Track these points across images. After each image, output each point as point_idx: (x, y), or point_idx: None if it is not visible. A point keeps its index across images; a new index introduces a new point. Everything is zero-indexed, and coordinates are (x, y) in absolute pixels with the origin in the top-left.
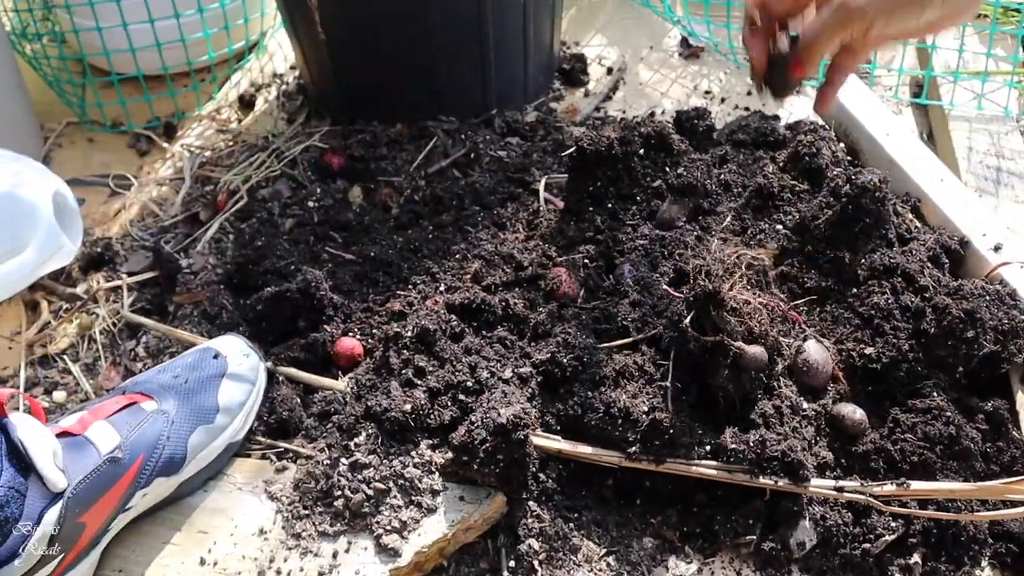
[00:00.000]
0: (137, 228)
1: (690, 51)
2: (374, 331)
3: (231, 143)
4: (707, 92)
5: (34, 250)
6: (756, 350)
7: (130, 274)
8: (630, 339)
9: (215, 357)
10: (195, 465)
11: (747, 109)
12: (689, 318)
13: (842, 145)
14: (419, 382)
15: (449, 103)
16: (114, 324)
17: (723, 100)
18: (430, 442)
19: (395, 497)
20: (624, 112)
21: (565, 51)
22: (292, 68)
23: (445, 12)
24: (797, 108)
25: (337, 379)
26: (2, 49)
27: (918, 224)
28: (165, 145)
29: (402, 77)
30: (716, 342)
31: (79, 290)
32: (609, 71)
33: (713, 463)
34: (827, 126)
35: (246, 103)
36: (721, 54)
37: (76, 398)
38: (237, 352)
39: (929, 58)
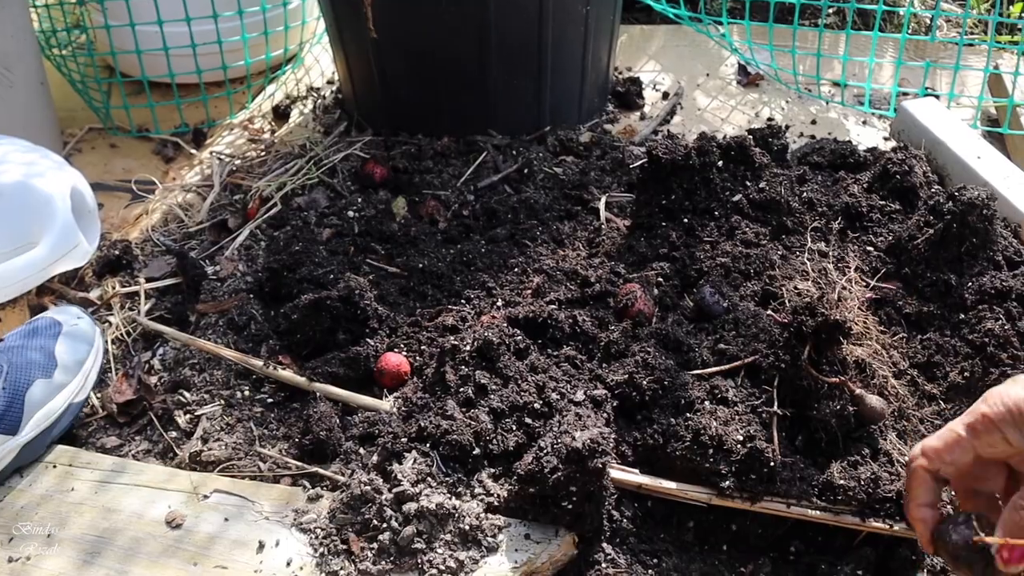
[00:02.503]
0: (160, 233)
1: (748, 79)
2: (423, 347)
3: (263, 152)
4: (769, 119)
5: (47, 247)
6: (877, 402)
7: (149, 280)
8: (727, 366)
9: (48, 322)
10: (35, 425)
11: (812, 137)
12: (807, 351)
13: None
14: (481, 402)
15: (500, 118)
16: (128, 333)
17: (787, 128)
18: (492, 471)
19: (451, 533)
20: (684, 136)
21: (618, 75)
22: (329, 83)
23: (505, 21)
24: (865, 137)
25: (381, 399)
26: (29, 46)
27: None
28: (193, 152)
29: (453, 88)
30: (835, 383)
31: (92, 295)
32: (665, 96)
33: (817, 503)
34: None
35: (280, 114)
36: (782, 82)
37: (81, 413)
38: (71, 315)
39: (1012, 85)
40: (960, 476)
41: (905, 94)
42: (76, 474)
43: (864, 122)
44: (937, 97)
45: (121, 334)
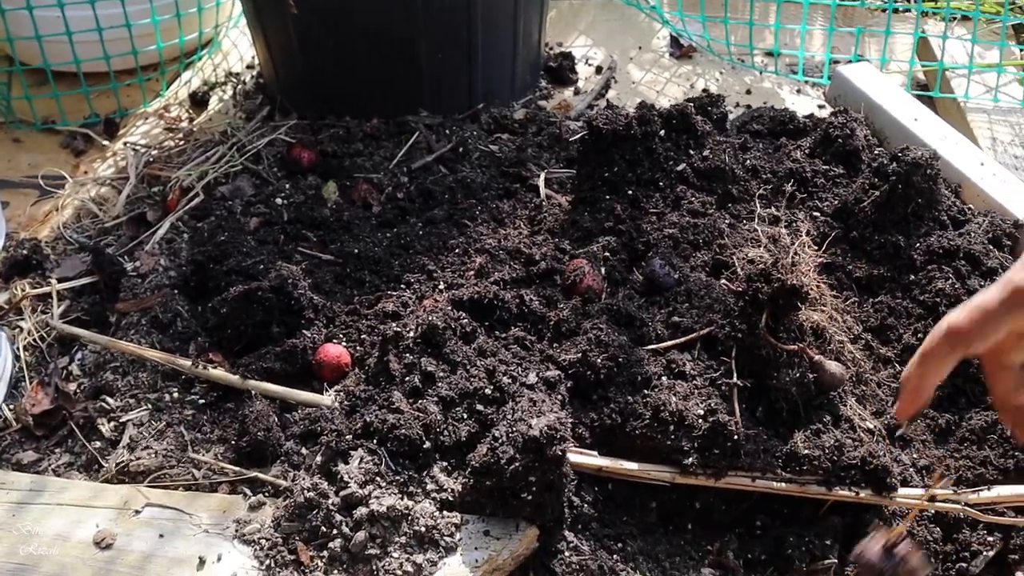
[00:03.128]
0: (72, 230)
1: (681, 51)
2: (363, 336)
3: (182, 141)
4: (705, 90)
5: None
6: (836, 368)
7: (62, 280)
8: (683, 339)
9: None
10: None
11: (748, 107)
12: (765, 319)
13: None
14: (428, 391)
15: (431, 97)
16: (42, 338)
17: (723, 98)
18: (444, 464)
19: (405, 535)
20: None
21: (549, 51)
22: (249, 68)
23: None
24: (801, 105)
25: (321, 393)
26: None
27: (969, 206)
28: (106, 143)
29: (381, 63)
30: (794, 350)
31: (0, 299)
32: (598, 70)
33: (782, 475)
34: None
35: (198, 101)
36: (715, 54)
37: None
38: None
39: (940, 51)
40: (989, 352)
41: (836, 61)
42: None
43: (798, 91)
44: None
45: (34, 339)
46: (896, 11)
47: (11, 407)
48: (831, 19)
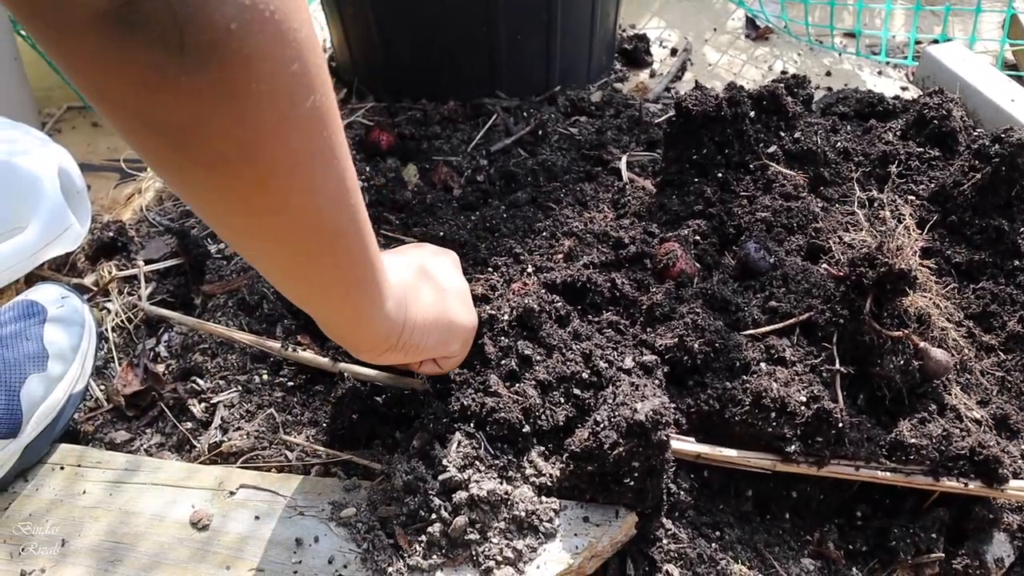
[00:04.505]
0: (155, 212)
1: (758, 33)
2: None
3: None
4: (783, 72)
5: (36, 230)
6: (942, 355)
7: (148, 262)
8: (781, 324)
9: (30, 306)
10: (36, 424)
11: (829, 89)
12: (869, 304)
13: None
14: (526, 374)
15: (507, 80)
16: (129, 320)
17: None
18: (541, 448)
19: (504, 520)
20: None
21: (623, 33)
22: (324, 51)
23: None
24: (883, 86)
25: (414, 376)
26: None
27: None
28: None
29: (458, 49)
30: (899, 337)
31: (87, 281)
32: (673, 52)
33: (887, 464)
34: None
35: None
36: (792, 35)
37: (84, 407)
38: (54, 296)
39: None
40: None
41: (920, 42)
42: (86, 475)
43: (880, 72)
44: None
45: (122, 320)
46: None
47: (102, 387)
48: None
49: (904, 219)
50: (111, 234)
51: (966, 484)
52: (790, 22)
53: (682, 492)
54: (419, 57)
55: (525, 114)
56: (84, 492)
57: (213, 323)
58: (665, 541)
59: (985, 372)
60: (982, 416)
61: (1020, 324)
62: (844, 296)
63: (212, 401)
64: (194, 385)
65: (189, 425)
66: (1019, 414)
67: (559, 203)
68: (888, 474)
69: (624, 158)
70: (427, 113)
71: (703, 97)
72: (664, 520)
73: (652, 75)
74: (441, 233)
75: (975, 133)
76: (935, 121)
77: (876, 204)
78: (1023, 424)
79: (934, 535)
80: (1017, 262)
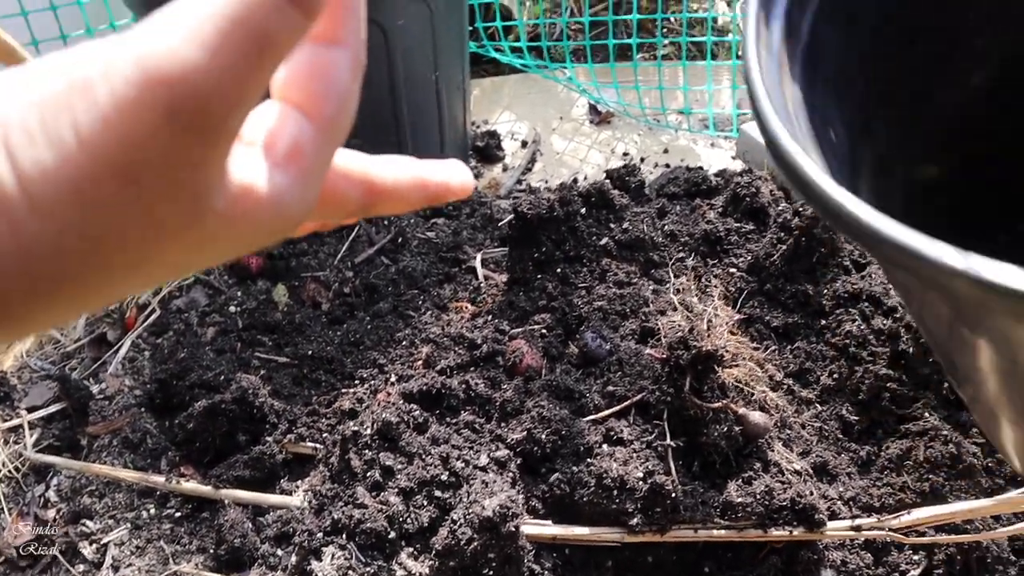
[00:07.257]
0: (36, 358)
1: (600, 117)
2: (324, 435)
3: None
4: (625, 154)
5: None
6: (760, 417)
7: (31, 409)
8: (619, 407)
9: None
10: None
11: (667, 166)
12: (688, 382)
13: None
14: (389, 484)
15: None
16: (17, 469)
17: (643, 160)
18: (410, 550)
19: None
20: (547, 182)
21: (476, 130)
22: None
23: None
24: (715, 159)
25: (291, 494)
26: None
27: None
28: None
29: None
30: (719, 408)
31: None
32: (523, 144)
33: (721, 523)
34: (757, 168)
35: None
36: (631, 117)
37: None
38: None
39: None
40: None
41: (744, 114)
42: None
43: (712, 144)
44: None
45: (9, 471)
46: None
47: None
48: (733, 75)
49: (714, 300)
50: None
51: (791, 532)
52: (627, 106)
53: (545, 572)
54: None
55: (386, 222)
56: None
57: (99, 464)
58: None
59: (805, 425)
60: (802, 467)
61: (830, 378)
62: (668, 376)
63: (102, 541)
64: (83, 528)
65: (82, 568)
66: (836, 459)
67: (418, 310)
68: (723, 532)
69: (479, 256)
70: None
71: (536, 201)
72: None
73: (504, 169)
74: (310, 351)
75: (780, 207)
76: (747, 198)
77: (703, 279)
78: (840, 468)
79: None
80: (823, 321)
